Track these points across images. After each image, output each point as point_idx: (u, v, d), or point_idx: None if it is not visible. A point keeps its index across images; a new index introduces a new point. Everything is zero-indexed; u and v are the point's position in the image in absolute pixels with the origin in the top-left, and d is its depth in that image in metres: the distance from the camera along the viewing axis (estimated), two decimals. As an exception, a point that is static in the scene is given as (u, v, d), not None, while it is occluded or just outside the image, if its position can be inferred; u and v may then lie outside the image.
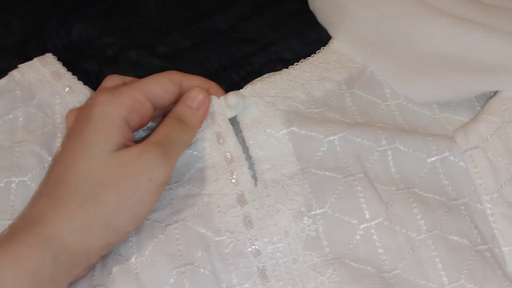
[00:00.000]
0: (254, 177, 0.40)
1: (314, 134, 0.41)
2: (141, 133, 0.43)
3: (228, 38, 0.51)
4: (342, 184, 0.39)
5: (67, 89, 0.46)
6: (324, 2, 0.50)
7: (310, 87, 0.44)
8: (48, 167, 0.42)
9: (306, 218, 0.38)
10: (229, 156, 0.40)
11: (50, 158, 0.42)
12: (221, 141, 0.41)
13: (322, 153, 0.40)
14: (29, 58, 0.47)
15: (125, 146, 0.36)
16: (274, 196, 0.39)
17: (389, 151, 0.41)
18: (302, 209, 0.38)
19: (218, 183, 0.39)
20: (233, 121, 0.42)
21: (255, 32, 0.52)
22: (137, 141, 0.37)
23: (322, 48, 0.48)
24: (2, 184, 0.41)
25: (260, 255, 0.37)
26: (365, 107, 0.44)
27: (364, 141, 0.41)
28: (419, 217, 0.38)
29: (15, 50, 0.51)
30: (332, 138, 0.41)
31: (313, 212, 0.38)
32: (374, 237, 0.37)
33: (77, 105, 0.45)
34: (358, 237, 0.37)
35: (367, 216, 0.38)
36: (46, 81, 0.46)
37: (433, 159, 0.41)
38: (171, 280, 0.36)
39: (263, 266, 0.37)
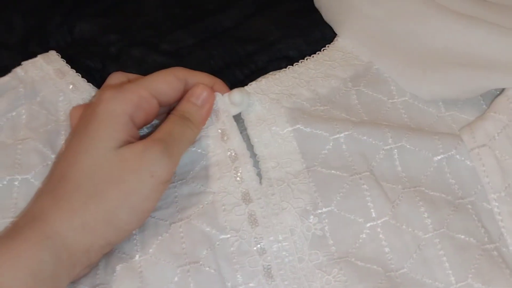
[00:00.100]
0: (259, 175, 0.40)
1: (319, 132, 0.41)
2: (145, 131, 0.43)
3: (232, 36, 0.51)
4: (348, 183, 0.39)
5: (70, 86, 0.45)
6: (329, 0, 0.50)
7: (315, 84, 0.44)
8: (51, 165, 0.41)
9: (312, 216, 0.37)
10: (233, 154, 0.40)
11: (53, 156, 0.42)
12: (225, 138, 0.40)
13: (327, 151, 0.40)
14: (31, 55, 0.47)
15: (129, 143, 0.36)
16: (280, 194, 0.38)
17: (395, 150, 0.40)
18: (308, 208, 0.38)
19: (222, 181, 0.39)
20: (238, 118, 0.42)
21: (259, 30, 0.51)
22: (141, 138, 0.37)
23: (327, 45, 0.48)
24: (5, 182, 0.40)
25: (265, 254, 0.37)
26: (371, 104, 0.44)
27: (370, 140, 0.41)
28: (425, 216, 0.38)
29: (17, 48, 0.51)
30: (337, 136, 0.40)
31: (319, 211, 0.38)
32: (381, 236, 0.37)
33: (81, 102, 0.45)
34: (364, 236, 0.37)
35: (373, 215, 0.38)
36: (50, 79, 0.46)
37: (439, 157, 0.40)
38: (176, 279, 0.36)
39: (269, 265, 0.36)
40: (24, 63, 0.46)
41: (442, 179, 0.40)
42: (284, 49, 0.50)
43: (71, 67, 0.47)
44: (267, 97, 0.42)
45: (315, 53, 0.47)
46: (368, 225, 0.37)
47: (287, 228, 0.37)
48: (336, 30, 0.49)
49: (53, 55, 0.47)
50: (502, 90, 0.42)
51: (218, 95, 0.41)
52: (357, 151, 0.40)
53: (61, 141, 0.43)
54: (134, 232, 0.38)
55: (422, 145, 0.41)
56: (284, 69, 0.45)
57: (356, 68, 0.46)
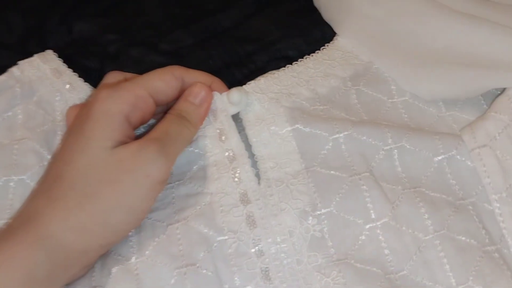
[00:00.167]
0: (257, 175, 0.39)
1: (319, 132, 0.40)
2: (141, 131, 0.42)
3: (232, 36, 0.51)
4: (348, 183, 0.38)
5: (67, 86, 0.45)
6: (329, -1, 0.50)
7: (314, 83, 0.44)
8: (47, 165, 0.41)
9: (311, 218, 0.37)
10: (231, 154, 0.39)
11: (49, 156, 0.42)
12: (223, 138, 0.40)
13: (327, 152, 0.40)
14: (30, 55, 0.47)
15: (125, 143, 0.36)
16: (278, 195, 0.38)
17: (395, 150, 0.40)
18: (307, 209, 0.37)
19: (220, 181, 0.39)
20: (236, 118, 0.41)
21: (259, 30, 0.51)
22: (138, 137, 0.37)
23: (326, 44, 0.47)
24: (0, 183, 0.40)
25: (263, 256, 0.36)
26: (371, 104, 0.43)
27: (370, 140, 0.40)
28: (426, 217, 0.37)
29: (15, 47, 0.51)
30: (337, 136, 0.40)
31: (318, 212, 0.37)
32: (380, 237, 0.37)
33: (78, 102, 0.44)
34: (363, 237, 0.37)
35: (373, 216, 0.37)
36: (46, 78, 0.45)
37: (439, 158, 0.40)
38: (172, 281, 0.35)
39: (267, 267, 0.36)
40: (21, 62, 0.46)
41: (443, 180, 0.40)
42: (283, 49, 0.50)
43: (69, 67, 0.46)
44: (266, 97, 0.42)
45: (314, 53, 0.46)
46: (367, 226, 0.37)
47: (285, 230, 0.37)
48: (335, 30, 0.49)
49: (49, 54, 0.47)
50: (503, 89, 0.42)
51: (216, 94, 0.41)
52: (357, 151, 0.40)
53: (57, 141, 0.43)
54: (130, 233, 0.37)
55: (422, 145, 0.40)
56: (283, 68, 0.45)
57: (356, 68, 0.45)
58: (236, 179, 0.39)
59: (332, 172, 0.39)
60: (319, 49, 0.47)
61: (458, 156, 0.40)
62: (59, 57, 0.47)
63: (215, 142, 0.40)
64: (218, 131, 0.40)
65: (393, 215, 0.37)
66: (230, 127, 0.40)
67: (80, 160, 0.35)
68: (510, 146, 0.40)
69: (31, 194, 0.39)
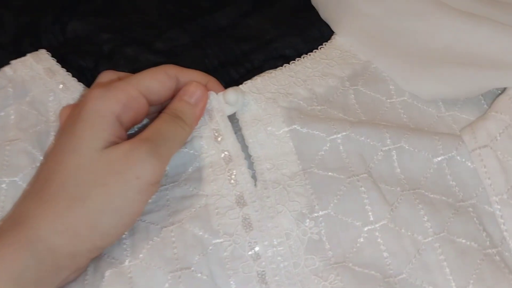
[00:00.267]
0: (254, 177, 0.39)
1: (316, 133, 0.40)
2: (135, 130, 0.42)
3: (228, 35, 0.51)
4: (346, 185, 0.38)
5: (61, 86, 0.44)
6: (327, -3, 0.49)
7: (312, 83, 0.43)
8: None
9: (308, 220, 0.37)
10: (227, 155, 0.39)
11: (42, 157, 0.41)
12: (219, 139, 0.39)
13: (324, 153, 0.39)
14: (23, 54, 0.46)
15: (116, 144, 0.35)
16: (275, 197, 0.37)
17: (394, 151, 0.40)
18: (304, 211, 0.37)
19: (216, 183, 0.38)
20: (232, 118, 0.41)
21: (256, 29, 0.51)
22: (129, 137, 0.36)
23: (324, 43, 0.47)
24: (-8, 185, 0.39)
25: (259, 259, 0.36)
26: (369, 104, 0.43)
27: (368, 140, 0.40)
28: (425, 219, 0.37)
29: (9, 47, 0.50)
30: (335, 137, 0.40)
31: (315, 214, 0.37)
32: (379, 240, 0.36)
33: (71, 102, 0.44)
34: (362, 240, 0.36)
35: (371, 218, 0.37)
36: (40, 78, 0.45)
37: (439, 158, 0.40)
38: (166, 285, 0.35)
39: (263, 271, 0.35)
40: (13, 62, 0.45)
41: (443, 181, 0.39)
42: (280, 48, 0.49)
43: (63, 66, 0.46)
44: (263, 97, 0.42)
45: (312, 52, 0.46)
46: (366, 228, 0.36)
47: (282, 232, 0.36)
48: (333, 28, 0.49)
49: (43, 54, 0.46)
50: (504, 89, 0.42)
51: (212, 94, 0.40)
52: (355, 152, 0.39)
53: (51, 142, 0.42)
54: (124, 236, 0.37)
55: (421, 146, 0.40)
56: (281, 67, 0.44)
57: (354, 67, 0.45)
58: (232, 181, 0.38)
59: (329, 173, 0.38)
60: (317, 48, 0.46)
61: (458, 157, 0.40)
62: (53, 56, 0.46)
63: (210, 143, 0.40)
64: (214, 131, 0.40)
65: (392, 217, 0.37)
66: (226, 127, 0.40)
67: (70, 162, 0.34)
68: (511, 146, 0.39)
69: (21, 195, 0.39)
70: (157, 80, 0.38)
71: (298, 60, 0.45)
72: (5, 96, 0.43)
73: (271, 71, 0.44)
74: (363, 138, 0.40)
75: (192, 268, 0.35)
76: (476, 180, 0.39)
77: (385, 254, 0.36)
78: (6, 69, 0.45)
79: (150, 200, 0.38)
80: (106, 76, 0.40)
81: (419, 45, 0.43)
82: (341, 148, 0.39)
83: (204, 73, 0.41)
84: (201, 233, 0.36)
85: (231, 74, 0.48)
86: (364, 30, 0.46)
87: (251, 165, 0.39)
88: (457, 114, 0.43)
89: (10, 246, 0.32)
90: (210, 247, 0.36)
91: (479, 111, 0.43)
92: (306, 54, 0.46)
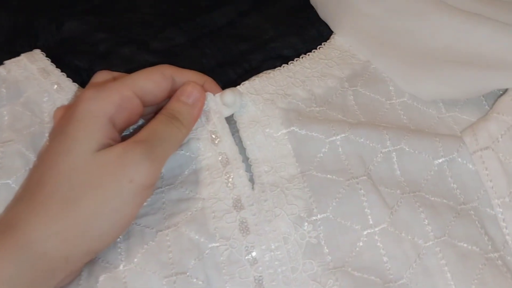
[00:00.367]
0: (251, 179, 0.38)
1: (315, 135, 0.39)
2: (131, 131, 0.41)
3: (226, 34, 0.50)
4: (345, 188, 0.37)
5: (55, 86, 0.44)
6: (325, -4, 0.49)
7: (311, 84, 0.43)
8: (32, 169, 0.40)
9: (306, 224, 0.36)
10: (224, 158, 0.38)
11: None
12: (216, 141, 0.39)
13: (323, 155, 0.39)
14: (18, 55, 0.46)
15: (109, 146, 0.34)
16: (273, 200, 0.37)
17: (394, 153, 0.39)
18: (302, 214, 0.36)
19: (213, 186, 0.38)
20: (229, 120, 0.40)
21: (254, 28, 0.51)
22: (124, 138, 0.35)
23: (323, 43, 0.47)
24: (-15, 187, 0.39)
25: (257, 264, 0.35)
26: (368, 105, 0.43)
27: (368, 142, 0.39)
28: (426, 223, 0.36)
29: (3, 47, 0.50)
30: (334, 138, 0.39)
31: (314, 218, 0.36)
32: (378, 244, 0.36)
33: (66, 103, 0.43)
34: (361, 244, 0.36)
35: (371, 222, 0.36)
36: (34, 78, 0.44)
37: (440, 160, 0.39)
38: None
39: (260, 276, 0.35)
40: (7, 62, 0.45)
41: (443, 184, 0.39)
42: (279, 47, 0.49)
43: (58, 67, 0.45)
44: (260, 98, 0.41)
45: (311, 52, 0.46)
46: (365, 232, 0.36)
47: (280, 236, 0.36)
48: (332, 28, 0.48)
49: (37, 54, 0.46)
50: (505, 89, 0.41)
51: (209, 95, 0.40)
52: (354, 154, 0.39)
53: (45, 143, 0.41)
54: (118, 239, 0.36)
55: (422, 148, 0.39)
56: (279, 68, 0.44)
57: (354, 67, 0.45)
58: (229, 184, 0.38)
59: (328, 176, 0.38)
60: (316, 48, 0.46)
61: (459, 159, 0.39)
62: (48, 56, 0.46)
63: (207, 145, 0.39)
64: (211, 133, 0.39)
65: (391, 221, 0.36)
66: (224, 129, 0.39)
67: (63, 164, 0.33)
68: (513, 148, 0.39)
69: (14, 198, 0.38)
70: (152, 81, 0.37)
71: (296, 60, 0.44)
72: (-2, 96, 0.43)
73: (269, 71, 0.43)
74: (362, 140, 0.39)
75: (187, 273, 0.35)
76: (477, 182, 0.39)
77: (385, 259, 0.35)
78: (0, 69, 0.44)
79: (145, 203, 0.38)
80: (101, 76, 0.39)
81: (419, 45, 0.43)
82: (340, 150, 0.39)
83: (200, 73, 0.40)
84: (197, 237, 0.36)
85: (229, 74, 0.48)
86: (363, 30, 0.46)
87: (248, 168, 0.39)
88: (458, 115, 0.43)
89: (1, 251, 0.31)
90: (206, 252, 0.35)
91: (480, 112, 0.43)
92: (305, 54, 0.45)
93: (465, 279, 0.35)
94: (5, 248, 0.31)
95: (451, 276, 0.35)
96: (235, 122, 0.40)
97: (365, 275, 0.35)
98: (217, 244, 0.36)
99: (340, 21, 0.48)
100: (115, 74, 0.39)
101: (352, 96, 0.43)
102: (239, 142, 0.40)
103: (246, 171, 0.38)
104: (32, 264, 0.32)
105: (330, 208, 0.37)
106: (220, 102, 0.40)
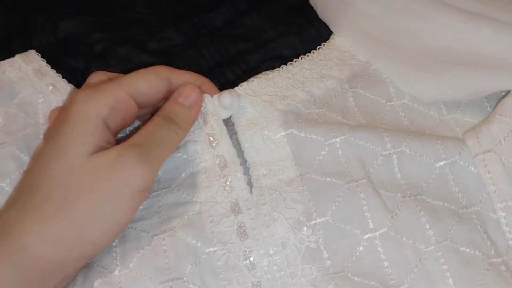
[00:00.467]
0: (249, 183, 0.38)
1: (314, 137, 0.39)
2: (127, 133, 0.41)
3: (224, 34, 0.50)
4: (344, 191, 0.37)
5: (50, 87, 0.43)
6: (325, -4, 0.49)
7: (310, 85, 0.42)
8: (26, 172, 0.39)
9: (305, 228, 0.36)
10: (222, 161, 0.38)
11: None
12: (214, 144, 0.38)
13: (322, 157, 0.38)
14: (13, 55, 0.45)
15: (104, 149, 0.34)
16: (271, 204, 0.36)
17: (394, 155, 0.39)
18: (301, 218, 0.36)
19: (210, 190, 0.37)
20: (227, 122, 0.40)
21: (252, 28, 0.50)
22: (120, 140, 0.35)
23: (322, 44, 0.46)
24: (-22, 191, 0.38)
25: (255, 269, 0.35)
26: (368, 107, 0.42)
27: (368, 144, 0.39)
28: (427, 227, 0.36)
29: (-2, 48, 0.49)
30: (333, 141, 0.39)
31: (313, 222, 0.36)
32: (379, 248, 0.35)
33: (61, 104, 0.43)
34: (361, 248, 0.35)
35: (371, 226, 0.36)
36: (29, 79, 0.44)
37: (441, 163, 0.39)
38: None
39: (258, 281, 0.34)
40: (1, 63, 0.44)
41: (445, 187, 0.38)
42: (278, 48, 0.49)
43: (54, 67, 0.45)
44: (259, 99, 0.41)
45: (310, 52, 0.45)
46: (365, 237, 0.35)
47: (278, 241, 0.35)
48: (332, 28, 0.48)
49: (32, 54, 0.45)
50: (508, 91, 0.41)
51: (207, 97, 0.39)
52: (354, 156, 0.38)
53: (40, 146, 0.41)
54: (114, 244, 0.36)
55: (423, 150, 0.39)
56: (278, 69, 0.43)
57: (353, 68, 0.44)
58: (227, 188, 0.37)
59: (328, 179, 0.37)
60: (315, 49, 0.46)
61: (461, 162, 0.39)
62: (43, 57, 0.45)
63: (205, 148, 0.38)
64: (208, 136, 0.39)
65: (392, 225, 0.36)
66: (221, 132, 0.39)
67: (56, 168, 0.33)
68: (516, 151, 0.38)
69: (6, 202, 0.38)
70: (148, 82, 0.37)
71: (296, 61, 0.44)
72: (-8, 98, 0.42)
73: (268, 72, 0.43)
74: (362, 142, 0.39)
75: (184, 278, 0.34)
76: (480, 186, 0.38)
77: (385, 264, 0.35)
78: (-7, 70, 0.44)
79: (141, 207, 0.37)
80: (96, 77, 0.39)
81: (420, 45, 0.43)
82: (339, 152, 0.38)
83: (197, 74, 0.40)
84: (194, 241, 0.35)
85: (227, 75, 0.48)
86: (363, 30, 0.45)
87: (246, 171, 0.38)
88: (460, 117, 0.42)
89: None
90: (203, 256, 0.35)
91: (483, 114, 0.42)
92: (304, 54, 0.45)
93: (468, 284, 0.34)
94: None
95: (453, 282, 0.34)
96: (233, 124, 0.40)
97: (365, 280, 0.34)
98: (215, 249, 0.35)
99: (339, 21, 0.47)
100: (111, 74, 0.39)
101: (352, 98, 0.42)
102: (237, 144, 0.39)
103: (244, 174, 0.38)
104: (24, 270, 0.31)
105: (330, 212, 0.36)
106: (218, 104, 0.39)
